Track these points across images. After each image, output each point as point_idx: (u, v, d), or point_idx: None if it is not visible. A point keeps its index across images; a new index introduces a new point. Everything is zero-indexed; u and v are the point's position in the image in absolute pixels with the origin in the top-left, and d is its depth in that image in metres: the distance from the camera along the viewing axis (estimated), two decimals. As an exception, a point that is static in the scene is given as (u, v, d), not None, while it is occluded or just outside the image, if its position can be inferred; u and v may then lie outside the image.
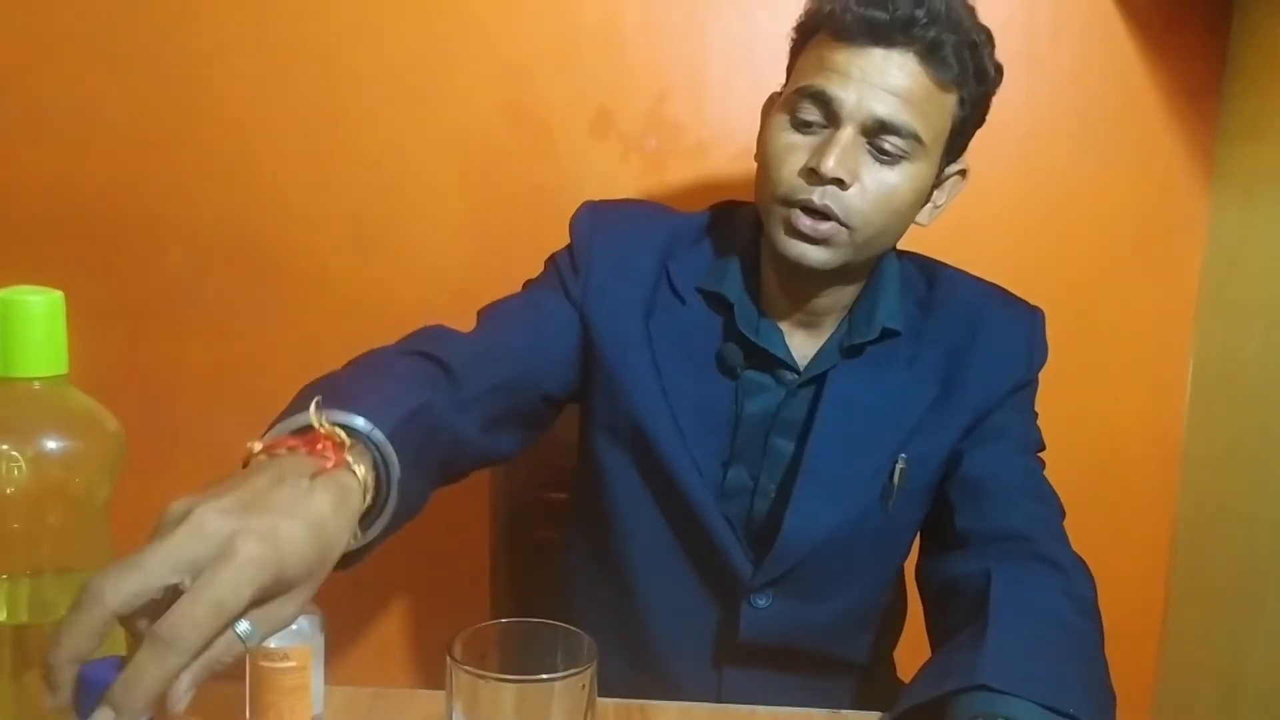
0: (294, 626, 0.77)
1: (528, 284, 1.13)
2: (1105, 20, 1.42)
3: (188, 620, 0.53)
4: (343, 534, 0.64)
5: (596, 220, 1.10)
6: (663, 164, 1.48)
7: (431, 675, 1.47)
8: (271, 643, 0.77)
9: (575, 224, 1.11)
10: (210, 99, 1.46)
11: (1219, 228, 1.45)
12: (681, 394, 1.04)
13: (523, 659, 0.69)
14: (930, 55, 0.94)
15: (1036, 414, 1.13)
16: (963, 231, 1.42)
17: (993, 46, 0.99)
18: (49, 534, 0.66)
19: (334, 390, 0.79)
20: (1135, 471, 1.54)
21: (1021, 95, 1.44)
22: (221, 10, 1.44)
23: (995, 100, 1.43)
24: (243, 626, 0.57)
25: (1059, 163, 1.46)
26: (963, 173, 1.06)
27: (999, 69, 1.01)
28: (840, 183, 0.94)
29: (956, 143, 1.02)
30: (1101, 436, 1.52)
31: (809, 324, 1.07)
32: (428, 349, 0.95)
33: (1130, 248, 1.48)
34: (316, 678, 0.80)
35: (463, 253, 1.50)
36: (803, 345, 1.07)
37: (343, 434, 0.69)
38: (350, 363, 0.93)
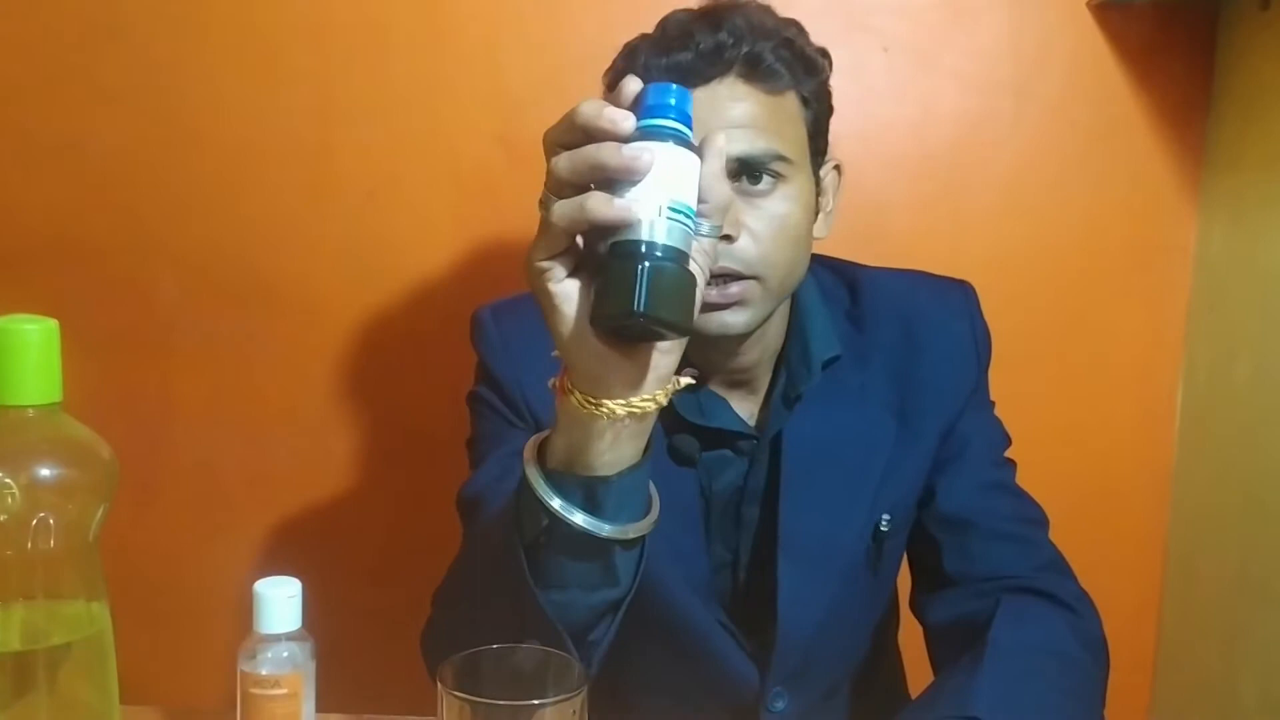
0: (285, 654, 0.78)
1: (473, 441, 1.03)
2: (1091, 48, 1.44)
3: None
4: None
5: (505, 340, 1.01)
6: (654, 192, 1.49)
7: (423, 702, 1.47)
8: (263, 669, 0.77)
9: (484, 345, 1.02)
10: (203, 129, 1.47)
11: (1206, 252, 1.46)
12: None
13: (513, 685, 0.69)
14: (754, 71, 0.89)
15: (994, 404, 1.07)
16: (951, 258, 1.43)
17: (806, 34, 0.94)
18: (42, 561, 0.66)
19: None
20: (1127, 495, 1.54)
21: (1009, 122, 1.46)
22: (214, 41, 1.45)
23: (983, 127, 1.45)
24: None
25: (1046, 189, 1.47)
26: (837, 168, 1.00)
27: (824, 54, 0.96)
28: (727, 239, 0.87)
29: (818, 142, 0.96)
30: (1092, 460, 1.52)
31: (747, 380, 1.01)
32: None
33: (1118, 273, 1.49)
34: (308, 705, 0.79)
35: (455, 282, 1.50)
36: (744, 404, 1.01)
37: None
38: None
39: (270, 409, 1.52)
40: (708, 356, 0.97)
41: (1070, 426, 1.49)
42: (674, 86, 0.66)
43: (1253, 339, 1.35)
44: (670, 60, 0.88)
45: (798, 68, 0.92)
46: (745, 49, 0.88)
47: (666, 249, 0.64)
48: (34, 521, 0.65)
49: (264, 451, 1.52)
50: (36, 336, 0.65)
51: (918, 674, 1.19)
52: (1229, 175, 1.42)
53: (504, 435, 0.99)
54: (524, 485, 0.73)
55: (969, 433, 1.03)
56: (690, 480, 0.99)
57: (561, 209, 0.65)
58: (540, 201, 0.68)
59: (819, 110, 0.95)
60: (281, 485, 1.53)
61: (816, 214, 0.96)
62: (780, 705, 1.01)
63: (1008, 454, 1.07)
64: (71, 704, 0.69)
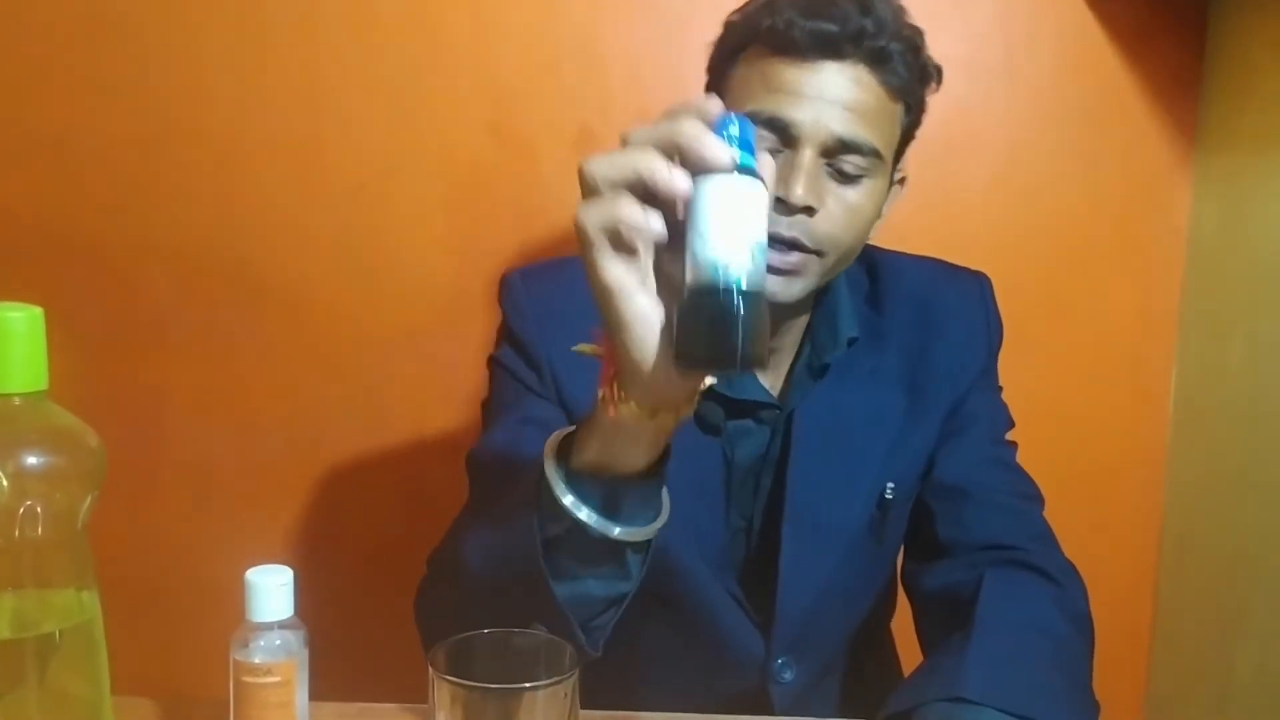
0: (277, 642, 0.78)
1: (488, 405, 1.05)
2: (1082, 28, 1.43)
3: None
4: None
5: (533, 300, 1.02)
6: (646, 180, 1.48)
7: (417, 690, 1.47)
8: (256, 658, 0.77)
9: (511, 305, 1.02)
10: (194, 121, 1.46)
11: (1199, 233, 1.46)
12: (672, 471, 0.85)
13: (505, 668, 0.69)
14: (880, 65, 0.91)
15: (1001, 389, 1.10)
16: (943, 240, 1.43)
17: (926, 46, 0.96)
18: (30, 549, 0.66)
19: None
20: (1121, 478, 1.54)
21: (1000, 105, 1.46)
22: (205, 34, 1.45)
23: (974, 109, 1.45)
24: None
25: (1038, 171, 1.47)
26: (902, 181, 1.03)
27: (938, 69, 0.98)
28: (809, 210, 0.90)
29: (902, 150, 0.99)
30: (1087, 443, 1.52)
31: (774, 351, 1.03)
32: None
33: (1111, 254, 1.49)
34: (301, 693, 0.79)
35: (448, 273, 1.50)
36: (767, 376, 1.03)
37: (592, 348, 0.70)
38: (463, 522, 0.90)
39: (262, 401, 1.51)
40: None
41: (1065, 407, 1.50)
42: (737, 117, 0.63)
43: (1246, 318, 1.35)
44: (813, 25, 0.88)
45: (915, 76, 0.94)
46: (881, 43, 0.90)
47: (755, 294, 0.61)
48: (21, 510, 0.64)
49: (257, 443, 1.52)
50: (21, 324, 0.65)
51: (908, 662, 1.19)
52: (1221, 155, 1.42)
53: (520, 400, 1.00)
54: (543, 482, 0.73)
55: (974, 410, 1.06)
56: (715, 450, 1.01)
57: (640, 160, 0.62)
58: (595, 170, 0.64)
59: (914, 121, 0.98)
60: (274, 476, 1.53)
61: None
62: (788, 676, 1.02)
63: (1010, 437, 1.10)
64: (62, 694, 0.68)
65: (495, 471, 0.92)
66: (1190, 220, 1.48)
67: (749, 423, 1.02)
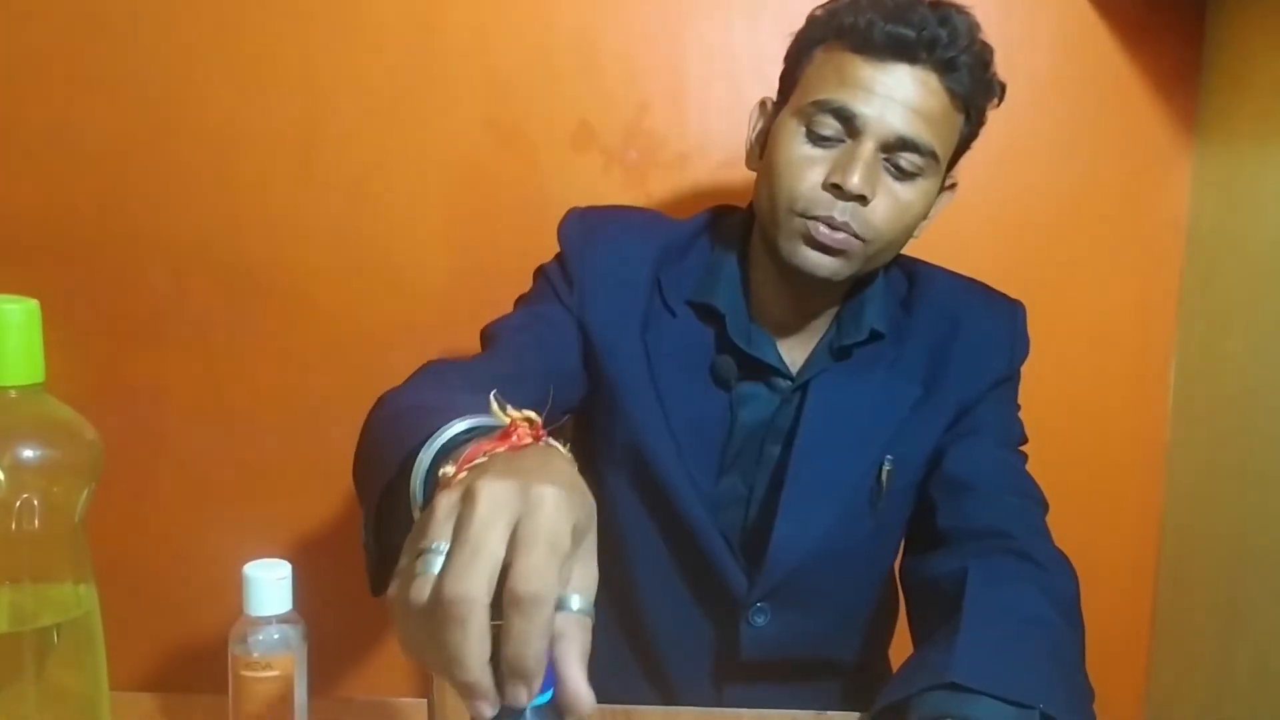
0: (275, 636, 0.78)
1: (520, 300, 1.12)
2: (1081, 20, 1.43)
3: (535, 567, 0.50)
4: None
5: (586, 230, 1.10)
6: (644, 175, 1.48)
7: (417, 684, 1.47)
8: (254, 652, 0.77)
9: (564, 233, 1.10)
10: (191, 116, 1.46)
11: (1198, 225, 1.46)
12: (678, 409, 1.04)
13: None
14: (949, 73, 0.96)
15: (1019, 406, 1.13)
16: (944, 236, 1.43)
17: (994, 63, 1.00)
18: (27, 543, 0.65)
19: (444, 410, 0.70)
20: (1121, 472, 1.54)
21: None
22: (202, 28, 1.44)
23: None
24: (576, 603, 0.54)
25: (1038, 165, 1.47)
26: (953, 186, 1.07)
27: (1002, 86, 1.02)
28: (862, 199, 0.95)
29: (957, 157, 1.04)
30: (1086, 437, 1.52)
31: (800, 328, 1.08)
32: (458, 381, 0.86)
33: (1110, 248, 1.49)
34: (300, 688, 0.79)
35: (446, 268, 1.50)
36: (793, 350, 1.08)
37: (533, 415, 0.63)
38: (409, 392, 0.86)
39: (261, 396, 1.51)
40: (784, 293, 1.05)
41: (1063, 400, 1.49)
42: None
43: (1245, 310, 1.35)
44: (893, 28, 0.93)
45: (980, 89, 0.99)
46: (952, 53, 0.95)
47: None
48: (18, 503, 0.64)
49: (255, 437, 1.52)
50: (17, 316, 0.65)
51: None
52: (1220, 148, 1.41)
53: (543, 298, 1.09)
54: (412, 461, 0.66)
55: (985, 417, 1.08)
56: (722, 403, 1.06)
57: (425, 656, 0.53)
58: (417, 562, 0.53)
59: (973, 133, 1.03)
60: (272, 470, 1.53)
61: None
62: (760, 620, 1.06)
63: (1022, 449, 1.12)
64: (60, 688, 0.68)
65: (499, 341, 1.01)
66: (1189, 212, 1.47)
67: (760, 386, 1.06)
